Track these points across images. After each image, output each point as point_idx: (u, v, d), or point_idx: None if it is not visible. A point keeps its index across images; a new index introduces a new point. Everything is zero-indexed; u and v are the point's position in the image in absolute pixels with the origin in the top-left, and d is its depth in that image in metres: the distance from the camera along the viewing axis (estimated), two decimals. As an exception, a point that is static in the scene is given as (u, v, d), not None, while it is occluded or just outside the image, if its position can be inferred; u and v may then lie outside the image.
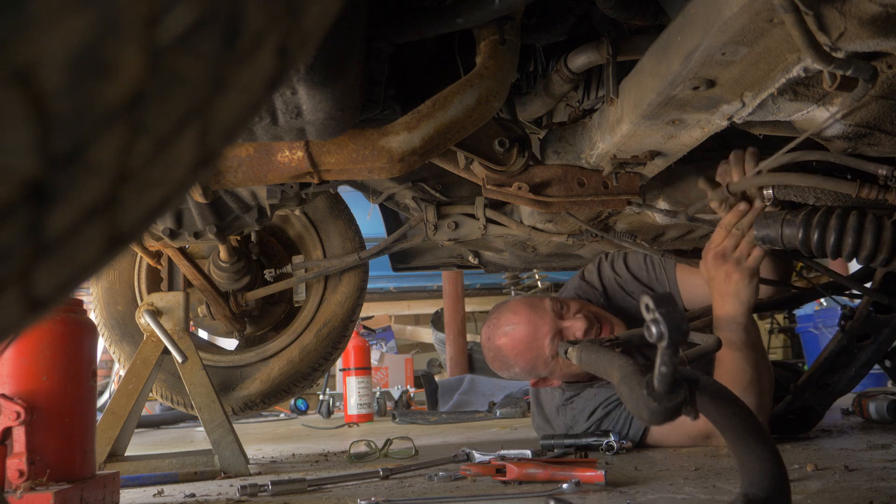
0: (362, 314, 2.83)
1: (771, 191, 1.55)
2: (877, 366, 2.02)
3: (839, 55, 0.90)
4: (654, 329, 0.82)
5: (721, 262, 1.67)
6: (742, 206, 1.62)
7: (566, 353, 1.50)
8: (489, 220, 1.98)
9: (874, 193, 1.38)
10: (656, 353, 0.86)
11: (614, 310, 2.16)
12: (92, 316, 2.33)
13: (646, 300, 0.83)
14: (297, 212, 2.45)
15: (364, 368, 3.98)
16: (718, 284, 1.69)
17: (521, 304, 2.05)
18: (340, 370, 4.27)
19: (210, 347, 2.74)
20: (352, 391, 3.91)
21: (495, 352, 2.04)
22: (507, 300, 2.18)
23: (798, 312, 5.90)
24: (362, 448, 2.16)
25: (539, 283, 5.49)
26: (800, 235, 1.46)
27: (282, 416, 4.82)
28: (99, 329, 2.35)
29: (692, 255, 2.12)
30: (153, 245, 2.00)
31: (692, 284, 2.11)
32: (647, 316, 0.83)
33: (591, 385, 2.04)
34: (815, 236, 1.43)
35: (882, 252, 1.39)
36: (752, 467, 0.90)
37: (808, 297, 2.29)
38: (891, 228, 1.40)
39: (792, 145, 1.24)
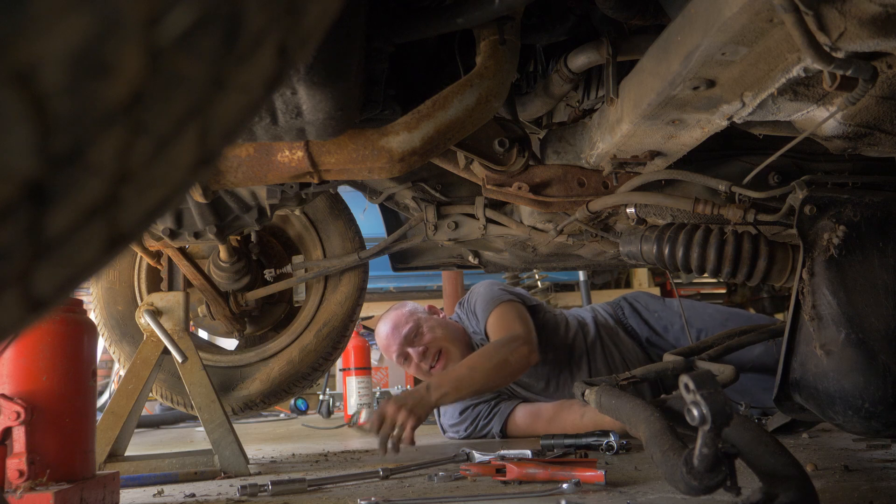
0: (362, 314, 2.83)
1: (633, 209, 1.63)
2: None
3: (839, 55, 0.90)
4: (695, 411, 0.78)
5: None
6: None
7: (584, 395, 1.46)
8: (489, 220, 1.98)
9: (709, 209, 1.46)
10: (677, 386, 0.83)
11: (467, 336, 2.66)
12: (92, 316, 2.33)
13: (685, 379, 0.78)
14: (297, 212, 2.45)
15: (364, 368, 3.97)
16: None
17: (390, 319, 2.60)
18: (340, 370, 4.25)
19: (210, 347, 2.73)
20: (352, 391, 3.90)
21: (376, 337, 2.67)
22: (400, 304, 2.72)
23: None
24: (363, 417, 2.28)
25: (539, 283, 5.46)
26: (654, 250, 1.53)
27: (282, 416, 4.82)
28: (99, 329, 2.35)
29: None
30: (153, 245, 2.00)
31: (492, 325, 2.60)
32: (688, 397, 0.78)
33: None
34: (667, 251, 1.51)
35: (725, 265, 1.45)
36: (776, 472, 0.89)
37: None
38: (734, 243, 1.44)
39: (791, 144, 1.24)
